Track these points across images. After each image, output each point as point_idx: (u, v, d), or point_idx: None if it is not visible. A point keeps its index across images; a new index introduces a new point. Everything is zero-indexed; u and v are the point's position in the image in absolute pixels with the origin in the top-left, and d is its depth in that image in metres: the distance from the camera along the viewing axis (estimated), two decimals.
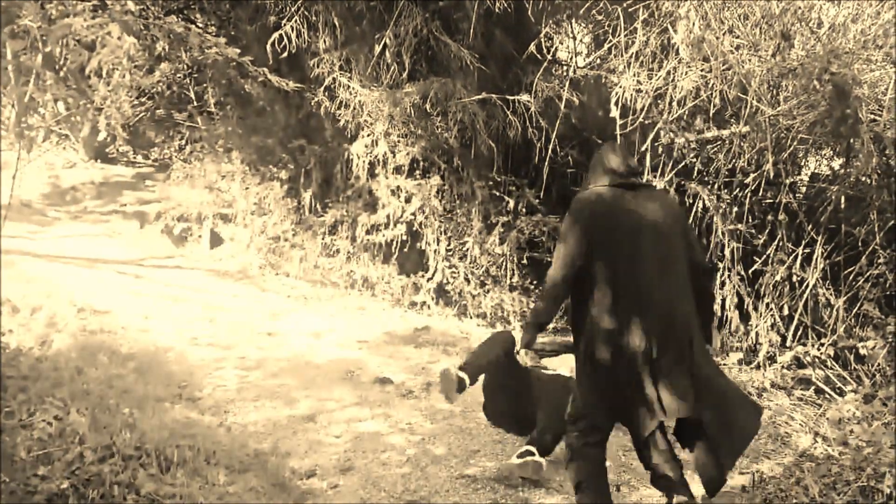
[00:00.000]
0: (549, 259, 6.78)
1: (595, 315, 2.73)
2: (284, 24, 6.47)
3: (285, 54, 6.42)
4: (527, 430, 3.64)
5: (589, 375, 2.81)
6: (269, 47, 6.39)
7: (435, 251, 6.82)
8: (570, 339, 4.01)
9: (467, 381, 3.54)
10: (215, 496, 2.96)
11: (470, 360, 3.63)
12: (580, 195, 2.86)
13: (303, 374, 4.75)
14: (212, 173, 8.09)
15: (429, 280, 6.87)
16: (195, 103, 9.04)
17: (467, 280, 6.78)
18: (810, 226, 5.79)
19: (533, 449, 3.35)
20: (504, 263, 6.75)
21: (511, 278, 6.74)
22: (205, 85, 8.68)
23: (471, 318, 6.75)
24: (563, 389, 3.75)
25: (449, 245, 6.86)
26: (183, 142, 9.59)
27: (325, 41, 6.72)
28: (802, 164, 6.40)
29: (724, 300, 5.93)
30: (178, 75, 9.14)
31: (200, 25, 8.30)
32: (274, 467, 3.35)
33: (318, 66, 6.73)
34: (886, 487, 3.20)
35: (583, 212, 2.77)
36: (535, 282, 6.86)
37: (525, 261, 6.81)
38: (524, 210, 6.85)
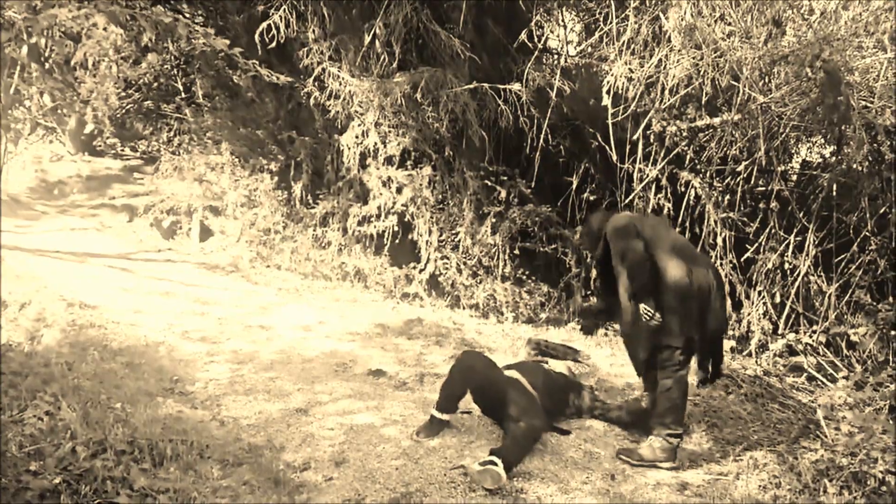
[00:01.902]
0: (541, 249, 6.79)
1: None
2: (272, 14, 6.41)
3: (274, 44, 6.36)
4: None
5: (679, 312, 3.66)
6: (257, 37, 6.33)
7: (427, 242, 6.80)
8: (572, 344, 4.35)
9: (446, 418, 3.78)
10: (209, 490, 2.94)
11: (443, 398, 3.80)
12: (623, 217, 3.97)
13: (295, 367, 4.73)
14: (201, 165, 8.02)
15: (421, 271, 6.85)
16: (183, 95, 8.97)
17: (459, 271, 6.76)
18: (802, 213, 5.80)
19: (497, 460, 3.31)
20: (496, 254, 6.74)
21: (503, 269, 6.73)
22: (193, 76, 8.61)
23: (463, 308, 6.74)
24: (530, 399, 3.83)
25: (441, 236, 6.84)
26: (171, 134, 9.53)
27: (313, 31, 6.66)
28: (794, 151, 6.41)
29: None
30: (166, 66, 9.08)
31: (188, 15, 8.22)
32: (268, 461, 3.33)
33: (307, 57, 6.68)
34: (878, 473, 3.22)
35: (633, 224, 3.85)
36: (527, 272, 6.86)
37: (517, 251, 6.80)
38: (516, 200, 6.83)
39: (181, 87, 9.01)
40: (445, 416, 3.79)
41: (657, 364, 3.77)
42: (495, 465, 3.25)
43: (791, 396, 4.91)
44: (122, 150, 11.17)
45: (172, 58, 8.73)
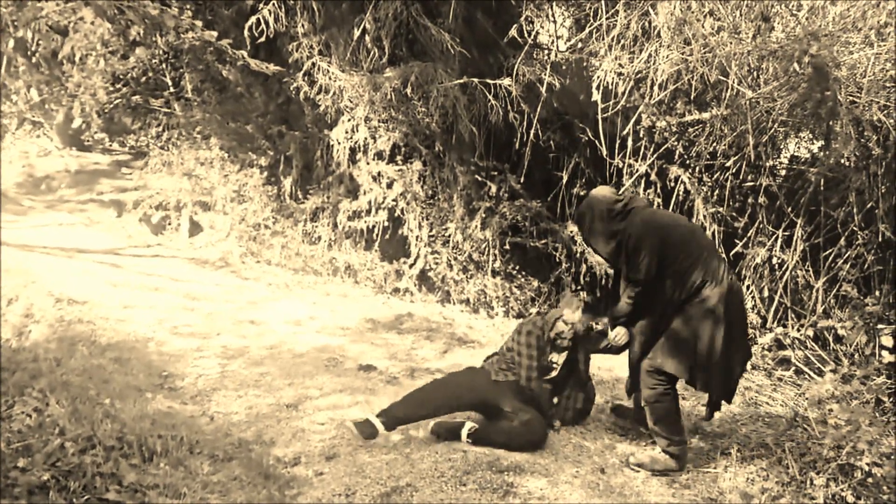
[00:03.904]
0: (532, 244, 6.79)
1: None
2: (261, 8, 6.37)
3: (263, 39, 6.33)
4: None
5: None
6: (246, 32, 6.29)
7: (417, 237, 6.79)
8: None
9: (379, 429, 3.50)
10: (199, 485, 2.94)
11: (395, 411, 3.58)
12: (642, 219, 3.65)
13: (285, 362, 4.72)
14: (190, 160, 7.98)
15: (411, 266, 6.84)
16: (172, 89, 8.90)
17: (450, 266, 6.76)
18: (790, 208, 5.84)
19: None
20: (486, 249, 6.74)
21: (494, 263, 6.73)
22: (181, 70, 8.55)
23: (454, 304, 6.75)
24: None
25: (431, 231, 6.83)
26: (160, 128, 9.46)
27: (303, 25, 6.62)
28: (782, 146, 6.45)
29: None
30: (154, 61, 9.00)
31: (176, 8, 8.16)
32: (258, 456, 3.33)
33: (296, 51, 6.64)
34: (865, 465, 3.26)
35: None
36: (517, 267, 6.86)
37: (507, 246, 6.81)
38: (506, 195, 6.83)
39: (170, 82, 8.93)
40: (383, 429, 3.52)
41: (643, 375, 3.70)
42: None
43: (779, 390, 4.95)
44: (111, 145, 11.08)
45: (161, 52, 8.65)
